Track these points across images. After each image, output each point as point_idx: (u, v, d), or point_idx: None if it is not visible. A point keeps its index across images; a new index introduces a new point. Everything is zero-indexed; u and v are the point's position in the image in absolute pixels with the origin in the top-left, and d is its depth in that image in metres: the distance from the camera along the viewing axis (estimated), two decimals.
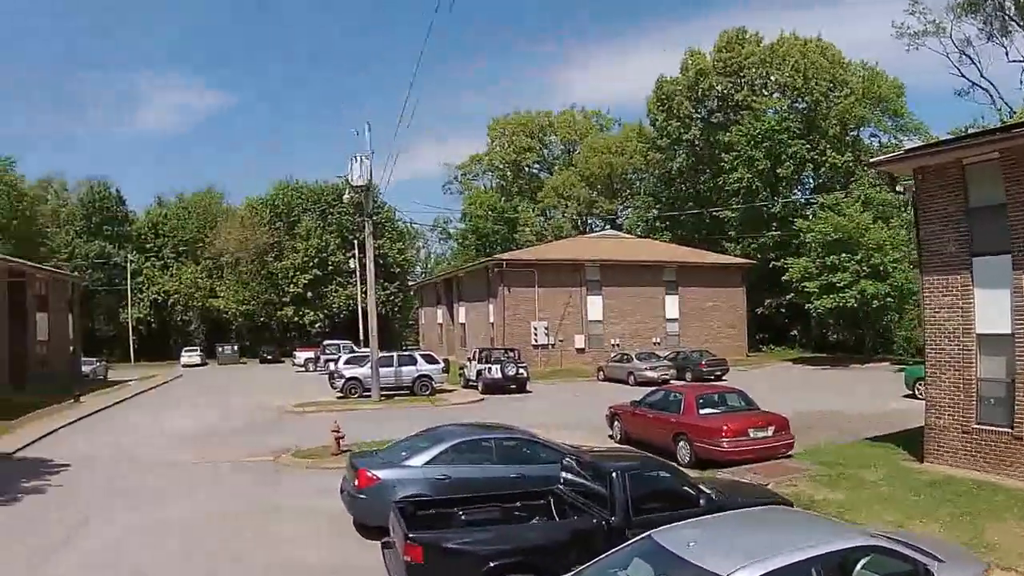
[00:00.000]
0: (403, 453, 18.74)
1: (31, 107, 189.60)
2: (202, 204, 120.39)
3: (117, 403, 50.80)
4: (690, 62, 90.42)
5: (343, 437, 28.40)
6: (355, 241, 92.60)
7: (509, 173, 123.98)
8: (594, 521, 13.52)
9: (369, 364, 47.43)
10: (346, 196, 52.46)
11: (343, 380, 48.59)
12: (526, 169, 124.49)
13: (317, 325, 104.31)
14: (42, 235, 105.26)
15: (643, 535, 10.72)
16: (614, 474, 13.90)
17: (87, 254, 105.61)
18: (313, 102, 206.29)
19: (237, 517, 20.72)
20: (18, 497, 24.35)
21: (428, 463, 17.90)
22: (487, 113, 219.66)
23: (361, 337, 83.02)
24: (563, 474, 15.55)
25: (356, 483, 17.89)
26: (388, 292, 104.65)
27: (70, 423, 40.57)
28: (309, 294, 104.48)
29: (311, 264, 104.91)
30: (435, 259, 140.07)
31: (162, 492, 24.26)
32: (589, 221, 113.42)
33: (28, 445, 33.84)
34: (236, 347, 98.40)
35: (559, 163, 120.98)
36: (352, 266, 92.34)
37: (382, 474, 17.71)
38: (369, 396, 45.58)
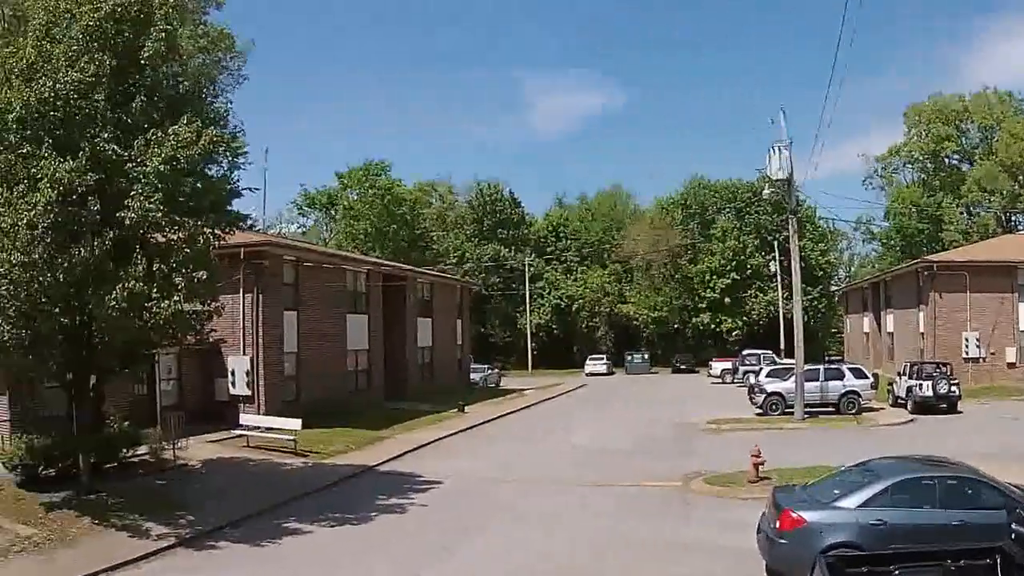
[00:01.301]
0: (835, 491, 17.09)
1: (413, 111, 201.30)
2: (607, 205, 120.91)
3: (508, 414, 50.78)
4: None
5: (763, 463, 26.33)
6: (774, 242, 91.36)
7: (929, 165, 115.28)
8: None
9: (792, 378, 44.74)
10: (766, 191, 50.09)
11: (764, 395, 46.12)
12: (945, 160, 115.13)
13: (734, 333, 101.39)
14: (426, 239, 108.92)
15: None
16: None
17: (479, 258, 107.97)
18: (717, 93, 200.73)
19: (632, 553, 19.66)
20: (372, 517, 23.64)
21: (862, 505, 16.23)
22: (902, 99, 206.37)
23: (782, 347, 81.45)
24: (1014, 526, 13.38)
25: (777, 524, 16.47)
26: (810, 297, 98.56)
27: (449, 435, 40.23)
28: (727, 300, 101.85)
29: (728, 267, 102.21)
30: (858, 261, 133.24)
31: (548, 521, 22.89)
32: (1013, 217, 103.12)
33: (396, 458, 33.58)
34: (646, 355, 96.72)
35: (978, 152, 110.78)
36: (772, 269, 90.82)
37: (809, 516, 16.21)
38: (791, 413, 43.03)
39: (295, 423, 32.86)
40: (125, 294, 20.83)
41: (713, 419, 43.29)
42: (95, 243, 21.07)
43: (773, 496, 17.58)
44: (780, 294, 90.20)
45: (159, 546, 20.66)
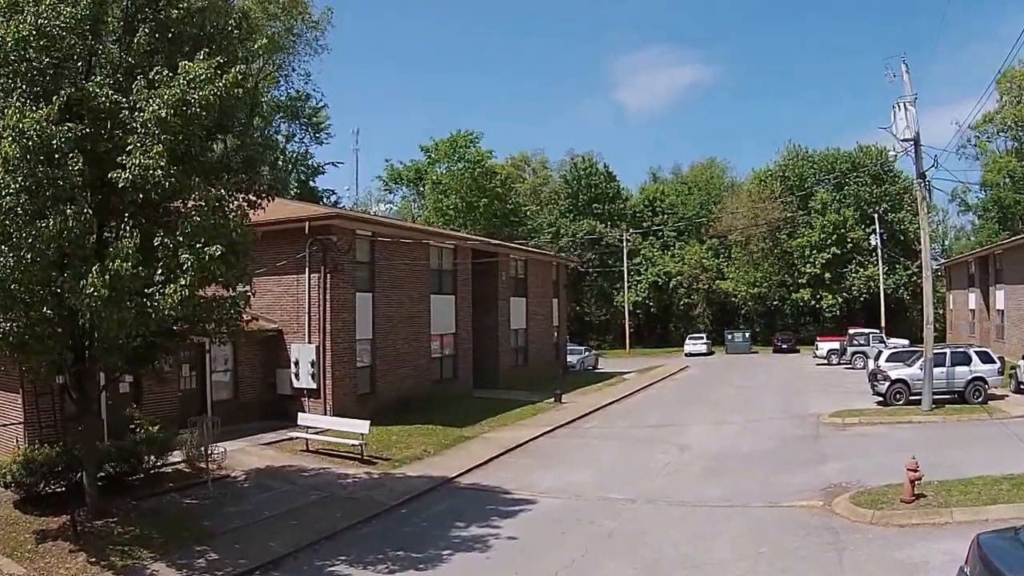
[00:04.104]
0: None
1: (503, 91, 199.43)
2: (703, 178, 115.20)
3: (609, 404, 44.58)
4: None
5: (920, 478, 20.43)
6: (875, 215, 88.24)
7: (1022, 134, 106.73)
8: None
9: (916, 363, 39.21)
10: (892, 152, 43.67)
11: (888, 383, 39.68)
12: None
13: (833, 310, 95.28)
14: (520, 214, 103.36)
15: None
16: None
17: (574, 234, 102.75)
18: (807, 61, 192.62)
19: None
20: (444, 556, 18.16)
21: None
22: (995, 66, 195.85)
23: (883, 324, 77.30)
24: None
25: None
26: (909, 273, 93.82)
27: (543, 433, 34.23)
28: (826, 275, 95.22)
29: (828, 241, 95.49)
30: (954, 234, 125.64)
31: (669, 567, 17.04)
32: None
33: (481, 465, 27.82)
34: (747, 334, 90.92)
35: None
36: (872, 243, 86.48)
37: None
38: (916, 402, 37.38)
39: (362, 425, 27.21)
40: (106, 277, 15.28)
41: (834, 411, 37.50)
42: (70, 212, 15.52)
43: (980, 552, 11.77)
44: (880, 269, 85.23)
45: None
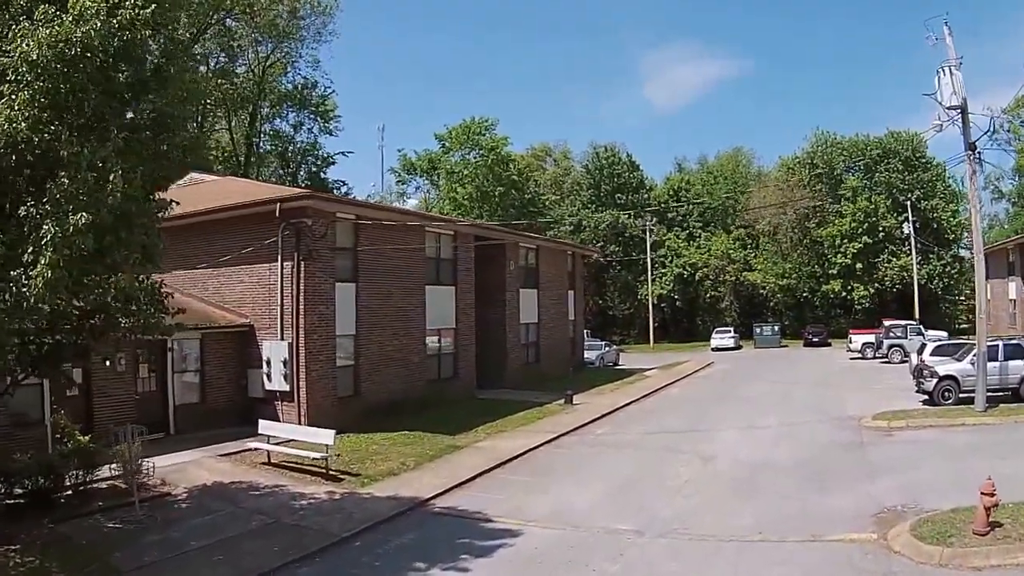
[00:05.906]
0: None
1: (527, 85, 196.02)
2: (728, 167, 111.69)
3: (626, 405, 40.40)
4: None
5: (998, 503, 16.18)
6: (907, 202, 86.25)
7: None
8: None
9: (967, 357, 35.46)
10: (932, 125, 39.89)
11: (935, 380, 35.69)
12: None
13: (864, 301, 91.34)
14: (539, 204, 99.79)
15: None
16: None
17: (596, 225, 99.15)
18: (842, 52, 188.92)
19: None
20: None
21: None
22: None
23: (916, 315, 75.32)
24: None
25: None
26: (943, 263, 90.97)
27: (547, 441, 30.06)
28: (858, 266, 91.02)
29: (859, 230, 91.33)
30: (987, 222, 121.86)
31: None
32: None
33: (465, 483, 23.68)
34: (776, 327, 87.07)
35: None
36: (905, 232, 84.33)
37: None
38: (968, 403, 33.32)
39: (326, 435, 23.48)
40: None
41: (876, 411, 33.42)
42: None
43: None
44: (914, 258, 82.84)
45: None
